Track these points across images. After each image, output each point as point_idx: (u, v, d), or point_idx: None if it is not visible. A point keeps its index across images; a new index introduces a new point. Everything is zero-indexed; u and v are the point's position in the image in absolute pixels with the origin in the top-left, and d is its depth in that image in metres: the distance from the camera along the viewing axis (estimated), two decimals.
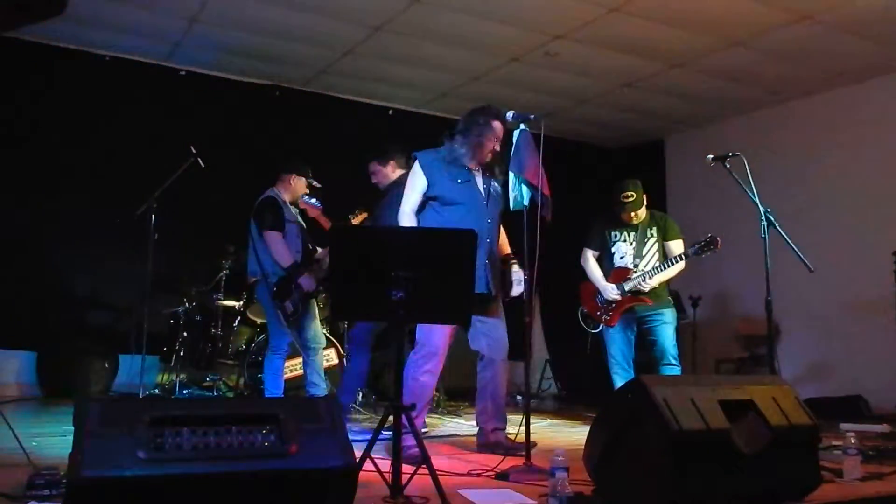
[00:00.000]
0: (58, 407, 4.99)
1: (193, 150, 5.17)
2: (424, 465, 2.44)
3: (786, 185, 6.49)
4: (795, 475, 2.47)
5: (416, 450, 2.53)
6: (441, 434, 4.53)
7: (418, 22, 5.59)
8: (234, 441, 1.88)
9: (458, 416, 5.59)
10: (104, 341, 5.88)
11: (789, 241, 3.91)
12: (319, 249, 5.11)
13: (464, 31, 5.75)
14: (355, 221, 5.11)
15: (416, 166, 3.77)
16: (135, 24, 5.72)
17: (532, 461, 3.08)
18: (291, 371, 5.29)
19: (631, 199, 4.68)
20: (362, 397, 5.92)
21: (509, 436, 3.72)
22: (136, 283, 5.46)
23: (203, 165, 5.20)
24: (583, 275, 4.94)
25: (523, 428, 3.20)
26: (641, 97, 7.05)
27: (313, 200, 4.95)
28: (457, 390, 6.37)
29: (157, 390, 5.72)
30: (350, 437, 2.07)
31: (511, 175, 3.64)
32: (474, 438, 3.93)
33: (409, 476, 2.45)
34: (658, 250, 4.72)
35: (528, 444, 3.14)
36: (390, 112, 7.44)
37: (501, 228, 3.94)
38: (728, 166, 4.01)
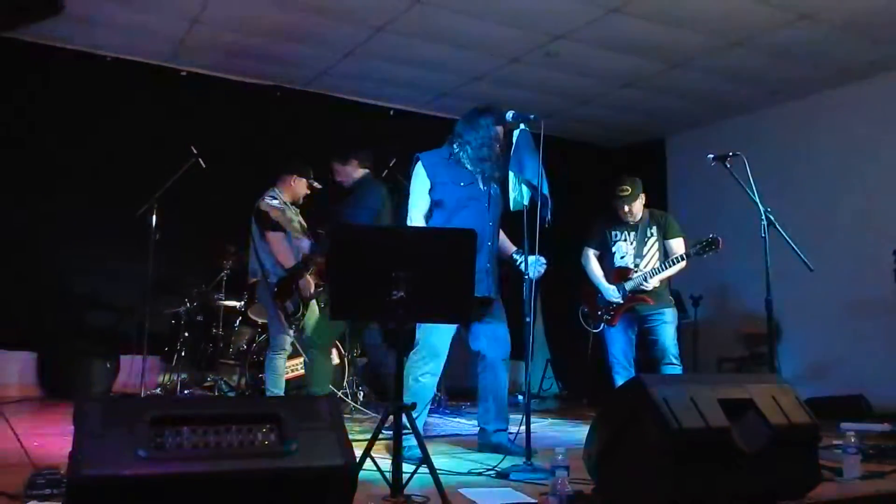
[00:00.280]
0: (58, 407, 4.99)
1: (194, 151, 5.18)
2: (425, 465, 2.44)
3: (786, 185, 6.48)
4: (795, 474, 2.47)
5: (417, 449, 2.54)
6: (442, 433, 4.53)
7: (419, 22, 5.59)
8: (234, 440, 1.88)
9: (460, 415, 5.59)
10: (105, 342, 5.89)
11: (789, 241, 3.91)
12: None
13: (464, 32, 5.76)
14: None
15: (419, 167, 3.75)
16: (136, 24, 5.72)
17: (532, 460, 3.09)
18: (293, 371, 5.30)
19: (626, 194, 4.69)
20: (363, 397, 5.94)
21: (510, 435, 3.72)
22: (137, 283, 5.47)
23: (204, 166, 5.21)
24: (583, 274, 4.94)
25: (524, 428, 3.20)
26: (642, 97, 7.05)
27: (276, 202, 4.82)
28: (458, 390, 6.38)
29: (158, 390, 5.73)
30: (350, 436, 2.08)
31: (511, 175, 3.64)
32: (475, 438, 3.93)
33: (409, 475, 2.45)
34: (659, 249, 4.72)
35: (529, 444, 3.15)
36: (391, 112, 7.44)
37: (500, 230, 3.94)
38: (728, 166, 4.01)
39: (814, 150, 6.82)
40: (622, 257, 4.76)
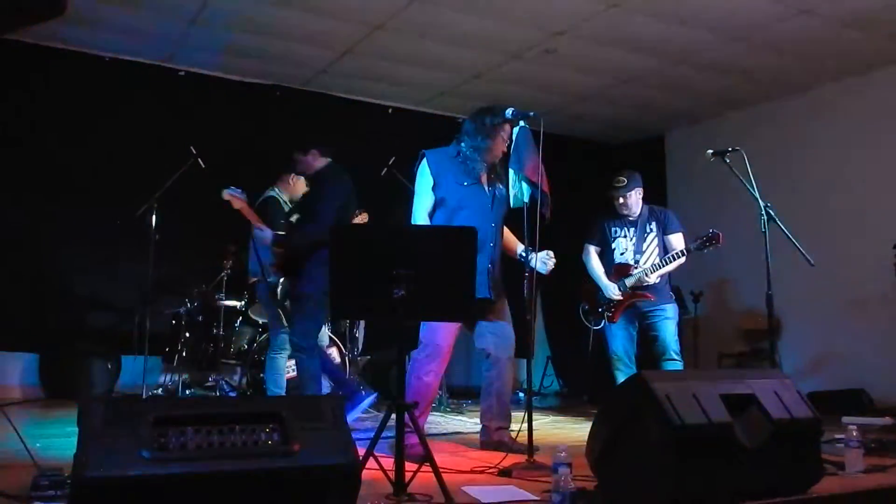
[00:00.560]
0: (61, 408, 5.00)
1: (193, 151, 5.18)
2: (427, 463, 2.45)
3: (786, 179, 6.48)
4: (797, 469, 2.47)
5: (420, 448, 2.54)
6: (444, 432, 4.54)
7: (418, 20, 5.59)
8: (237, 440, 1.89)
9: (462, 414, 5.60)
10: (106, 342, 5.89)
11: (790, 236, 3.91)
12: None
13: (463, 29, 5.75)
14: (356, 221, 5.10)
15: (424, 165, 3.75)
16: (135, 25, 5.72)
17: (535, 458, 3.09)
18: (294, 370, 5.30)
19: (621, 184, 4.71)
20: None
21: (512, 433, 3.72)
22: (137, 283, 5.48)
23: (203, 166, 5.21)
24: (584, 271, 4.94)
25: (526, 425, 3.21)
26: (641, 93, 7.04)
27: (238, 191, 4.65)
28: (460, 389, 6.39)
29: (159, 391, 5.74)
30: (353, 435, 2.08)
31: (511, 172, 3.64)
32: (477, 436, 3.94)
33: (412, 474, 2.46)
34: (658, 245, 4.73)
35: (531, 441, 3.15)
36: (390, 111, 7.44)
37: (505, 227, 3.94)
38: (728, 161, 4.02)
39: (814, 145, 6.82)
40: (622, 253, 4.77)
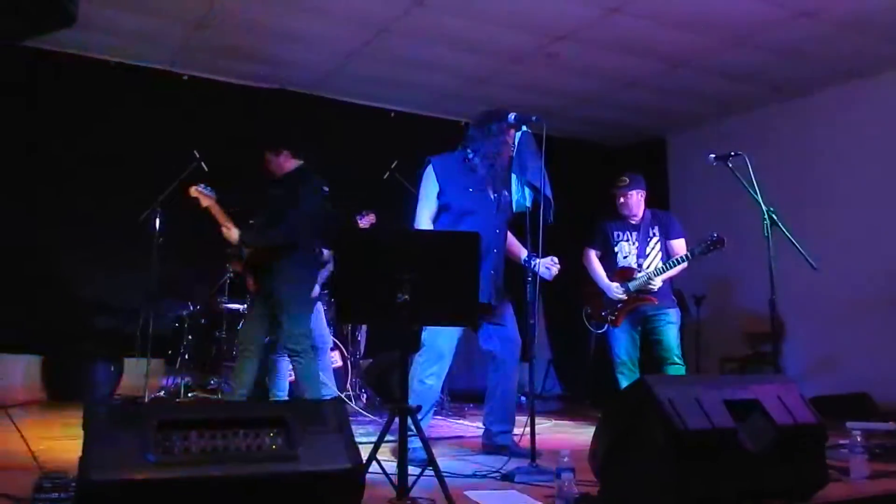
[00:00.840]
0: (63, 410, 5.00)
1: (197, 155, 5.19)
2: (430, 467, 2.45)
3: (788, 183, 6.48)
4: (802, 474, 2.47)
5: (422, 452, 2.54)
6: (446, 435, 4.54)
7: (420, 25, 5.60)
8: (241, 444, 1.89)
9: (464, 417, 5.60)
10: (109, 345, 5.90)
11: (792, 240, 3.91)
12: (326, 252, 5.11)
13: (465, 34, 5.76)
14: (363, 223, 5.10)
15: (430, 170, 3.74)
16: (139, 29, 5.74)
17: (537, 462, 3.09)
18: (292, 375, 5.31)
19: (623, 184, 4.73)
20: (367, 399, 5.94)
21: (514, 437, 3.72)
22: (140, 286, 5.49)
23: (207, 169, 5.22)
24: (585, 275, 4.94)
25: (528, 429, 3.21)
26: (643, 97, 7.05)
27: (207, 189, 4.54)
28: (461, 392, 6.39)
29: (161, 393, 5.74)
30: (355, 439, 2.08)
31: (513, 177, 3.65)
32: (479, 440, 3.94)
33: (415, 478, 2.46)
34: (661, 249, 4.73)
35: (534, 446, 3.15)
36: (392, 115, 7.45)
37: (509, 233, 3.94)
38: (730, 165, 4.02)
39: (816, 149, 6.82)
40: (625, 257, 4.76)
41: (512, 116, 3.56)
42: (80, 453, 1.84)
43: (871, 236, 6.18)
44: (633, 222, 4.78)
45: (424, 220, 3.71)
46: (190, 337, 5.82)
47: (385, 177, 5.73)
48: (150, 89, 6.36)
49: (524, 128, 3.56)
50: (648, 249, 4.73)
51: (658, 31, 5.64)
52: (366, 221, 5.19)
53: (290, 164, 4.55)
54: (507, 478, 2.97)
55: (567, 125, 7.68)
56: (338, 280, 2.68)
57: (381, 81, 6.79)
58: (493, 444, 3.76)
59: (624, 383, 4.60)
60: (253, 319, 4.49)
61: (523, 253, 3.88)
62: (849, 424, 4.44)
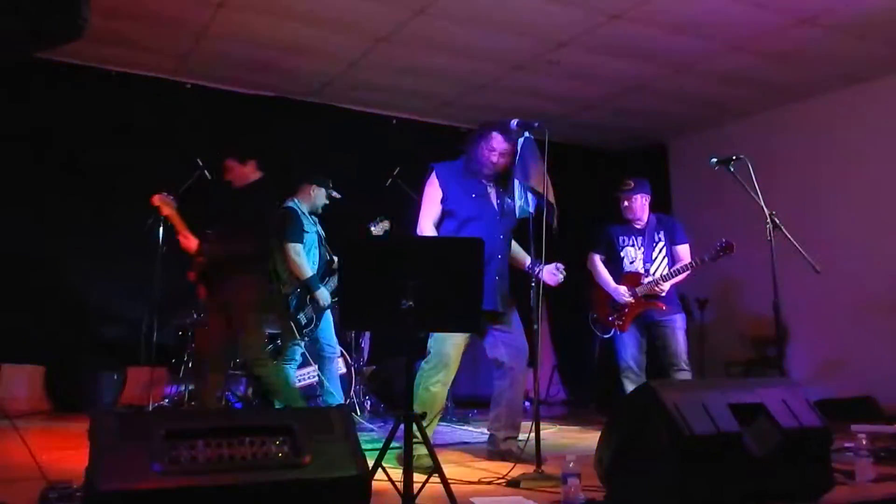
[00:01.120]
0: (67, 420, 5.01)
1: (200, 163, 5.20)
2: (436, 474, 2.45)
3: (791, 187, 6.48)
4: (807, 477, 2.47)
5: (428, 459, 2.54)
6: (451, 442, 4.53)
7: (422, 33, 5.62)
8: (247, 453, 1.90)
9: (468, 423, 5.59)
10: (112, 354, 5.90)
11: (795, 243, 3.91)
12: (337, 259, 5.12)
13: (467, 41, 5.78)
14: (377, 230, 5.09)
15: (433, 178, 3.76)
16: (142, 39, 5.76)
17: (543, 468, 3.09)
18: (306, 379, 5.33)
19: (627, 188, 4.72)
20: (370, 406, 5.94)
21: (520, 443, 3.72)
22: (143, 295, 5.49)
23: (210, 177, 5.23)
24: (591, 280, 4.93)
25: (533, 435, 3.20)
26: (644, 102, 7.06)
27: (169, 197, 4.49)
28: (466, 398, 6.38)
29: (165, 402, 5.74)
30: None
31: (516, 182, 3.66)
32: (484, 446, 3.93)
33: (420, 485, 2.46)
34: (667, 254, 4.72)
35: (539, 452, 3.14)
36: (394, 121, 7.47)
37: (513, 240, 3.95)
38: (732, 169, 4.02)
39: (818, 152, 6.82)
40: (631, 262, 4.74)
41: (514, 123, 3.57)
42: (85, 463, 1.85)
43: (875, 239, 6.18)
44: (638, 227, 4.78)
45: (427, 226, 3.73)
46: (193, 346, 5.82)
47: (387, 184, 5.73)
48: (152, 98, 6.38)
49: (526, 134, 3.57)
50: (654, 254, 4.72)
51: (659, 37, 5.65)
52: (379, 229, 5.19)
53: (254, 175, 4.50)
54: (513, 484, 2.96)
55: (569, 131, 7.69)
56: (343, 287, 2.68)
57: (383, 88, 6.81)
58: (498, 451, 3.76)
59: (629, 388, 4.59)
60: (209, 331, 4.45)
61: (527, 260, 3.88)
62: (854, 427, 4.45)
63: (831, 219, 6.46)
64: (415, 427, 2.49)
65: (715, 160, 4.13)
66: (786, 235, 3.89)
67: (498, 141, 3.72)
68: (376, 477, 2.33)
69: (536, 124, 3.53)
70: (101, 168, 6.06)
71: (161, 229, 5.24)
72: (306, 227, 4.94)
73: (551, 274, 3.71)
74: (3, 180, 5.74)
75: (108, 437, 1.82)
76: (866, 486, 2.83)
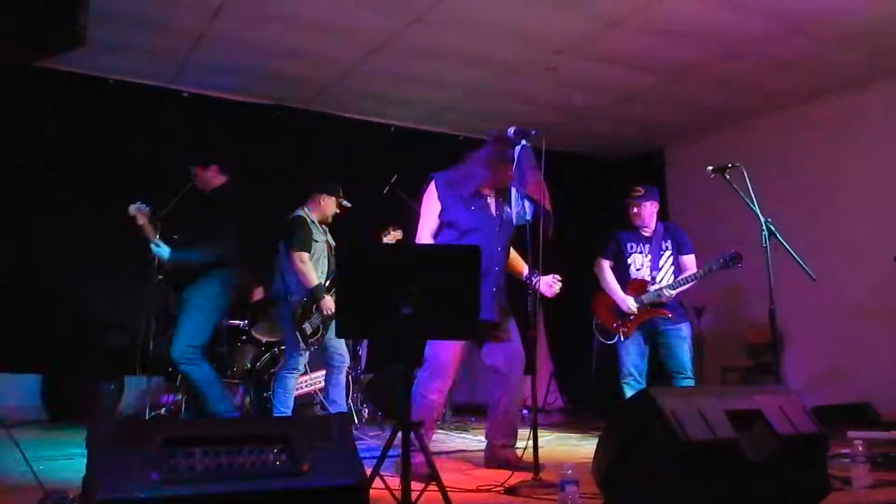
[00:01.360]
0: (63, 430, 4.99)
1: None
2: (434, 482, 2.45)
3: (786, 194, 6.49)
4: (804, 484, 2.47)
5: (426, 466, 2.54)
6: (449, 450, 4.53)
7: (418, 40, 5.64)
8: (245, 461, 1.90)
9: (466, 431, 5.59)
10: (109, 363, 5.88)
11: (791, 251, 3.92)
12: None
13: (463, 49, 5.80)
14: (388, 239, 5.09)
15: (432, 188, 3.76)
16: (138, 47, 5.77)
17: (541, 475, 3.09)
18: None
19: (638, 194, 4.72)
20: (368, 414, 5.93)
21: (517, 450, 3.72)
22: (141, 304, 5.48)
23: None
24: (595, 286, 4.91)
25: (531, 443, 3.20)
26: (640, 110, 7.09)
27: (144, 207, 4.49)
28: (463, 406, 6.38)
29: (163, 411, 5.72)
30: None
31: (513, 190, 3.66)
32: (482, 453, 3.93)
33: (418, 493, 2.46)
34: (673, 263, 4.72)
35: (537, 459, 3.14)
36: (392, 129, 7.48)
37: (512, 249, 3.95)
38: (728, 177, 4.03)
39: (814, 160, 6.85)
40: (638, 269, 4.74)
41: (511, 131, 3.58)
42: (83, 472, 1.85)
43: (871, 246, 6.19)
44: (646, 234, 4.78)
45: (425, 236, 3.73)
46: None
47: (385, 192, 5.74)
48: (149, 106, 6.38)
49: (524, 141, 3.58)
50: (661, 262, 4.72)
51: (654, 46, 5.68)
52: (391, 238, 5.20)
53: (217, 180, 4.54)
54: (511, 491, 2.96)
55: (566, 139, 7.72)
56: (340, 295, 2.68)
57: (381, 96, 6.83)
58: (496, 458, 3.75)
59: (630, 395, 4.59)
60: None
61: (525, 269, 3.89)
62: (850, 434, 4.45)
63: (828, 226, 6.47)
64: (413, 435, 2.49)
65: (711, 168, 4.14)
66: (781, 242, 3.90)
67: (508, 154, 3.73)
68: (374, 485, 2.34)
69: (534, 132, 3.54)
70: (99, 176, 6.06)
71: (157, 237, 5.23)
72: (315, 237, 4.94)
73: (548, 285, 3.72)
74: (0, 188, 5.74)
75: (105, 445, 1.82)
76: (863, 492, 2.83)
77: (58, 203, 5.95)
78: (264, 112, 6.90)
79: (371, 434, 5.19)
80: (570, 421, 6.83)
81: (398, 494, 2.43)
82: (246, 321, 5.92)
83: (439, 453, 4.26)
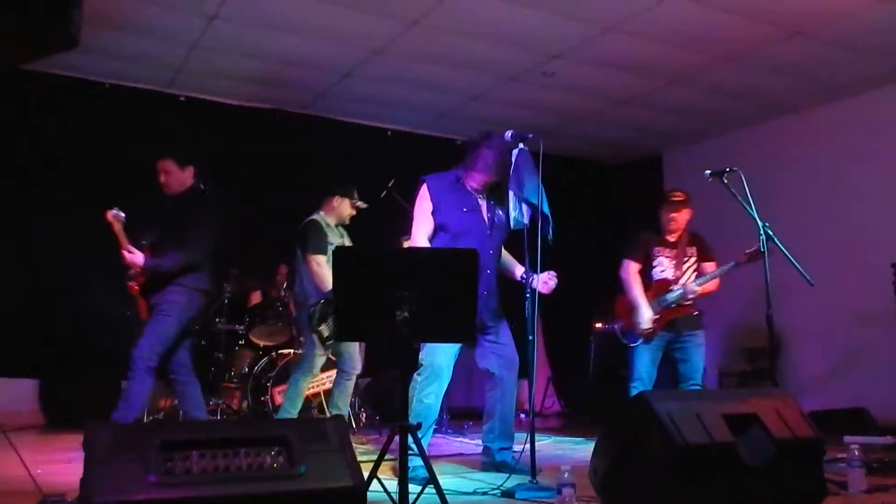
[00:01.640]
0: (61, 433, 4.98)
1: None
2: (431, 485, 2.45)
3: (784, 199, 6.51)
4: (800, 488, 2.47)
5: (423, 470, 2.54)
6: (446, 453, 4.53)
7: (416, 45, 5.65)
8: (243, 463, 1.90)
9: (463, 435, 5.59)
10: (106, 367, 5.87)
11: (788, 255, 3.93)
12: None
13: (461, 53, 5.81)
14: (408, 243, 5.11)
15: (424, 190, 3.78)
16: (135, 51, 5.77)
17: (538, 479, 3.09)
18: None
19: (679, 199, 4.67)
20: (366, 418, 5.93)
21: (514, 453, 3.72)
22: (138, 308, 5.47)
23: (204, 189, 5.23)
24: (617, 288, 4.84)
25: (528, 446, 3.21)
26: (638, 114, 7.10)
27: (121, 214, 4.33)
28: (460, 410, 6.37)
29: (161, 415, 5.72)
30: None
31: (510, 194, 3.67)
32: (479, 457, 3.93)
33: (416, 496, 2.46)
34: (695, 270, 4.72)
35: (534, 462, 3.15)
36: (389, 133, 7.49)
37: (504, 250, 3.96)
38: (726, 181, 4.04)
39: (811, 164, 6.86)
40: (662, 272, 4.72)
41: (509, 134, 3.59)
42: (80, 475, 1.85)
43: (868, 251, 6.21)
44: (672, 239, 4.77)
45: (421, 239, 3.73)
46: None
47: (382, 196, 5.74)
48: (146, 111, 6.38)
49: (521, 145, 3.59)
50: (685, 268, 4.71)
51: (653, 49, 5.69)
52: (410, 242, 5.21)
53: (190, 181, 4.42)
54: (508, 495, 2.97)
55: (563, 143, 7.73)
56: (337, 298, 2.68)
57: (378, 100, 6.83)
58: (493, 462, 3.76)
59: None
60: None
61: (517, 268, 3.89)
62: (847, 439, 4.47)
63: (825, 231, 6.49)
64: (410, 438, 2.49)
65: (709, 172, 4.15)
66: (779, 247, 3.91)
67: (488, 155, 3.73)
68: (372, 488, 2.34)
69: (531, 136, 3.55)
70: (95, 180, 6.05)
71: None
72: (330, 239, 4.93)
73: (544, 282, 3.71)
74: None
75: (102, 448, 1.82)
76: (859, 496, 2.84)
77: (57, 204, 5.94)
78: (261, 116, 6.90)
79: (369, 437, 5.19)
80: (567, 425, 6.82)
81: (396, 497, 2.43)
82: (244, 325, 5.92)
83: (437, 456, 4.27)
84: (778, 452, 2.37)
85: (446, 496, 2.42)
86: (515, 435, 3.83)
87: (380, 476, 2.45)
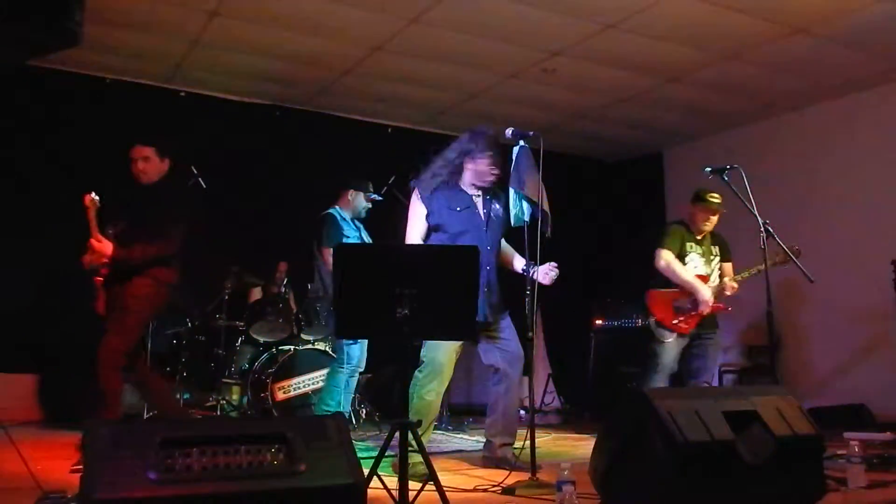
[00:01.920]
0: (60, 430, 4.98)
1: (195, 171, 5.20)
2: (431, 482, 2.45)
3: (785, 196, 6.51)
4: (800, 485, 2.48)
5: (423, 466, 2.54)
6: (446, 450, 4.53)
7: (416, 41, 5.64)
8: (243, 461, 1.90)
9: (463, 431, 5.59)
10: None
11: (789, 252, 3.93)
12: None
13: (462, 50, 5.80)
14: None
15: (416, 194, 3.78)
16: (136, 46, 5.77)
17: (538, 475, 3.09)
18: (290, 391, 5.34)
19: (718, 201, 4.65)
20: (366, 415, 5.93)
21: (515, 450, 3.72)
22: None
23: (204, 186, 5.23)
24: (640, 285, 4.84)
25: (528, 443, 3.21)
26: (639, 111, 7.09)
27: (98, 199, 4.12)
28: (460, 406, 6.38)
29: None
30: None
31: (511, 191, 3.67)
32: (479, 453, 3.94)
33: (416, 493, 2.46)
34: (718, 270, 4.75)
35: (534, 459, 3.15)
36: (389, 130, 7.48)
37: (504, 242, 3.95)
38: (726, 178, 4.04)
39: (811, 162, 6.86)
40: (695, 267, 4.73)
41: (509, 132, 3.58)
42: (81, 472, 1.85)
43: (868, 248, 6.21)
44: (699, 238, 4.79)
45: (415, 241, 3.74)
46: (188, 354, 5.81)
47: (382, 192, 5.74)
48: (146, 106, 6.37)
49: (522, 142, 3.59)
50: (712, 266, 4.75)
51: (652, 47, 5.68)
52: None
53: (163, 172, 4.21)
54: (509, 491, 2.97)
55: (564, 140, 7.72)
56: (338, 295, 2.68)
57: (378, 97, 6.83)
58: (493, 458, 3.76)
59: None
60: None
61: (517, 259, 3.89)
62: (846, 435, 4.46)
63: (826, 228, 6.48)
64: (410, 435, 2.49)
65: (709, 169, 4.15)
66: (779, 244, 3.91)
67: (491, 156, 3.73)
68: (372, 485, 2.34)
69: (532, 133, 3.55)
70: (96, 176, 6.02)
71: None
72: (346, 233, 4.94)
73: (545, 273, 3.70)
74: None
75: (102, 445, 1.82)
76: (859, 492, 2.84)
77: (56, 201, 5.93)
78: (261, 112, 6.89)
79: (369, 434, 5.19)
80: (568, 422, 6.83)
81: (396, 494, 2.43)
82: (244, 321, 5.92)
83: (437, 453, 4.27)
84: (778, 449, 2.37)
85: (446, 493, 2.42)
86: (516, 431, 3.84)
87: (380, 473, 2.45)
